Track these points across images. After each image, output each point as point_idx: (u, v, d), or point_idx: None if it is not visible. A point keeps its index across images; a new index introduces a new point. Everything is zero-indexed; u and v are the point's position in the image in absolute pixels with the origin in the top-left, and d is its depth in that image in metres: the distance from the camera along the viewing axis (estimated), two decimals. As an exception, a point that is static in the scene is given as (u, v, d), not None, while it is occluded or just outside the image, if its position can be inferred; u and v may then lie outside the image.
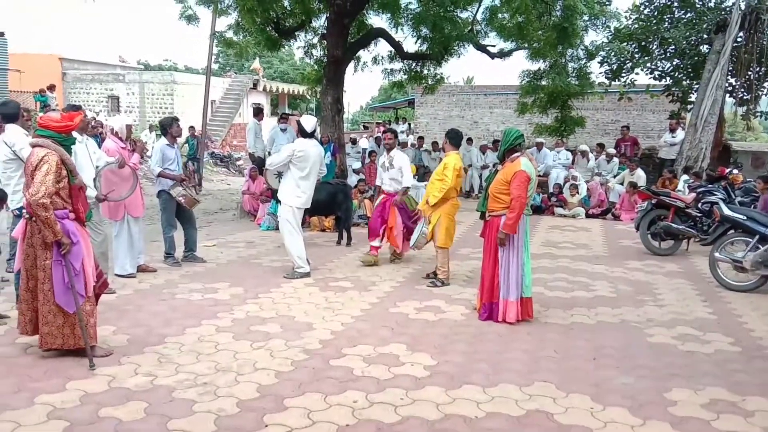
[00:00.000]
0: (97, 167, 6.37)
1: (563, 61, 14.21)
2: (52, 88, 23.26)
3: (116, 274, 6.94)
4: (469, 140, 18.20)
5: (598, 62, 15.48)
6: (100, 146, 7.16)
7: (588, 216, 13.64)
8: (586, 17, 12.98)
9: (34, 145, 4.57)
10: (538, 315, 6.10)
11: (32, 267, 4.53)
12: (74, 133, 4.89)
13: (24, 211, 4.62)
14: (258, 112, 13.80)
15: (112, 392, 4.08)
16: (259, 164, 12.61)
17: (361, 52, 14.62)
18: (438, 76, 15.29)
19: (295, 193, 7.37)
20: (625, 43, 15.19)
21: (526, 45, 13.71)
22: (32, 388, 4.09)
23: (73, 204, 4.57)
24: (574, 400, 4.22)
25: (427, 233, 7.27)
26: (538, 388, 4.40)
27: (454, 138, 7.38)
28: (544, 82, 14.53)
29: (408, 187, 8.12)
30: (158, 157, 7.67)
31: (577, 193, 14.05)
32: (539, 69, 14.55)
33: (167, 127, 7.77)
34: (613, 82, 16.06)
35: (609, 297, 7.03)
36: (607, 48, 15.07)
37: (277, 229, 10.12)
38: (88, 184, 5.85)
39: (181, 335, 5.25)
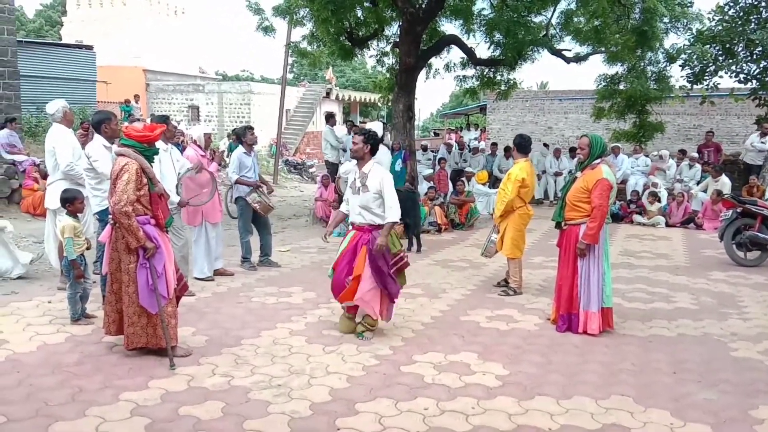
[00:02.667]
0: (178, 174, 6.63)
1: (642, 64, 13.75)
2: (136, 98, 24.39)
3: (195, 277, 7.20)
4: (545, 145, 17.90)
5: (679, 65, 14.89)
6: (181, 154, 7.45)
7: (668, 225, 13.14)
8: (666, 19, 12.53)
9: (118, 154, 4.81)
10: (616, 327, 5.92)
11: (117, 270, 4.76)
12: (159, 143, 5.10)
13: (109, 216, 4.86)
14: (330, 117, 14.02)
15: (191, 391, 4.23)
16: (330, 171, 12.82)
17: (433, 59, 14.61)
18: (511, 82, 15.09)
19: None
20: (708, 46, 14.55)
21: (603, 49, 13.35)
22: (117, 385, 4.29)
23: (153, 210, 4.77)
24: (653, 415, 4.07)
25: (496, 241, 7.18)
26: (615, 402, 4.27)
27: (522, 144, 7.22)
28: (621, 87, 14.11)
29: (394, 223, 5.38)
30: (236, 164, 7.90)
31: (657, 200, 13.56)
32: (617, 73, 14.14)
33: (241, 136, 8.01)
34: (694, 86, 15.43)
35: (690, 309, 6.76)
36: (689, 51, 14.48)
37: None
38: (171, 191, 6.11)
39: (256, 337, 5.38)
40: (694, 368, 4.95)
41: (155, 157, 5.04)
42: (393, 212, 5.29)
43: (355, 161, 5.71)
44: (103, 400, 4.05)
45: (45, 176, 10.65)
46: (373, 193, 5.31)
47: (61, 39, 35.62)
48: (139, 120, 7.89)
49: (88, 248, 5.74)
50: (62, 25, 39.98)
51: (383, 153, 7.64)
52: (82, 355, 4.82)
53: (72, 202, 5.69)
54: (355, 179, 5.45)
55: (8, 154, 11.94)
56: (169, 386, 4.29)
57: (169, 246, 4.91)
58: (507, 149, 16.77)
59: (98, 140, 6.08)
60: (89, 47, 22.23)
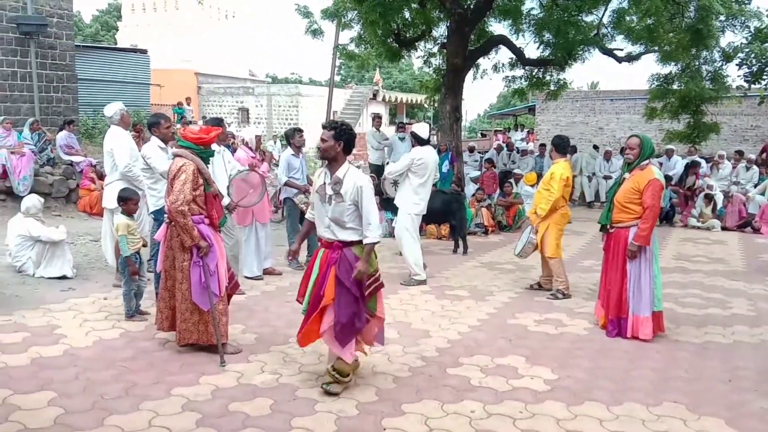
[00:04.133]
0: (230, 176, 6.76)
1: (697, 64, 13.39)
2: (188, 101, 24.95)
3: (245, 276, 7.32)
4: (595, 147, 17.58)
5: (736, 65, 14.42)
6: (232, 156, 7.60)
7: (724, 228, 12.75)
8: (722, 17, 12.16)
9: (175, 155, 4.94)
10: (669, 332, 5.78)
11: (171, 268, 4.89)
12: (213, 145, 5.22)
13: (165, 215, 5.00)
14: (376, 119, 14.06)
15: (240, 388, 4.31)
16: (375, 172, 12.85)
17: (480, 60, 14.53)
18: (561, 82, 14.89)
19: (413, 200, 7.46)
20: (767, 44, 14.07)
21: (656, 48, 13.05)
22: (169, 380, 4.40)
23: (207, 210, 4.88)
24: (707, 424, 3.96)
25: (535, 242, 7.07)
26: (668, 409, 4.17)
27: (560, 145, 7.16)
28: (675, 86, 13.77)
29: (375, 244, 4.27)
30: (284, 166, 8.01)
31: (712, 203, 13.17)
32: (670, 72, 13.80)
33: (290, 138, 8.11)
34: (752, 86, 14.93)
35: (747, 315, 6.54)
36: (747, 49, 14.01)
37: (392, 235, 10.30)
38: (222, 192, 6.23)
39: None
40: (751, 376, 4.79)
41: (211, 158, 5.16)
42: (373, 230, 4.22)
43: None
44: (156, 394, 4.16)
45: (101, 176, 11.02)
46: (347, 203, 4.21)
47: (116, 43, 36.76)
48: (191, 122, 8.07)
49: (144, 245, 5.90)
50: (117, 30, 41.26)
51: (430, 153, 7.63)
52: (135, 351, 4.96)
53: (126, 201, 5.85)
54: (324, 185, 4.30)
55: (66, 155, 12.37)
56: (220, 382, 4.37)
57: (221, 245, 5.02)
58: (542, 146, 16.50)
59: (154, 141, 6.26)
60: (143, 51, 22.85)
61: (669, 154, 15.34)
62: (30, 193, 10.70)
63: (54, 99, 13.65)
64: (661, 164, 14.05)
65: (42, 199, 7.72)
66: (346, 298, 4.19)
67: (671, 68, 13.67)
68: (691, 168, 14.17)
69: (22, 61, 12.90)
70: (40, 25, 12.77)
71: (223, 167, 6.68)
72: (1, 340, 5.05)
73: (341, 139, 4.24)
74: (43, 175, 11.60)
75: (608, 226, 5.79)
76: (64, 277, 7.05)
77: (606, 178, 15.92)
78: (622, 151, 14.69)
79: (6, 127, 11.23)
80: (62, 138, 12.47)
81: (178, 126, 13.45)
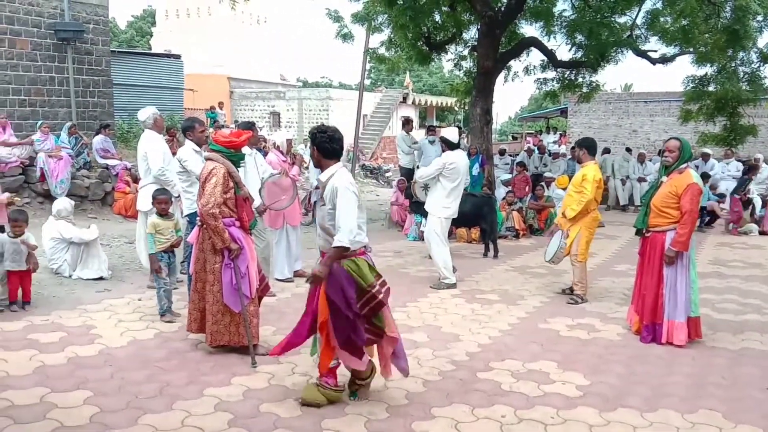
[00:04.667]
0: (262, 179, 6.82)
1: (733, 65, 13.12)
2: (221, 105, 25.25)
3: (276, 279, 7.37)
4: (628, 149, 17.34)
5: (775, 65, 14.11)
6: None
7: (762, 233, 12.46)
8: (760, 17, 11.91)
9: (207, 159, 5.00)
10: (705, 338, 5.66)
11: (202, 270, 4.95)
12: (245, 148, 5.27)
13: (197, 218, 5.07)
14: (406, 123, 14.06)
15: (271, 389, 4.34)
16: (406, 176, 12.86)
17: (511, 62, 14.44)
18: (594, 84, 14.73)
19: (444, 204, 7.43)
20: (808, 44, 13.75)
21: (692, 49, 12.83)
22: (202, 381, 4.45)
23: (238, 213, 4.93)
24: (744, 432, 3.87)
25: (565, 247, 6.93)
26: (703, 416, 4.08)
27: (592, 147, 7.08)
28: (711, 88, 13.51)
29: (343, 248, 3.94)
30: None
31: (750, 207, 12.87)
32: (706, 74, 13.54)
33: None
34: (792, 87, 14.56)
35: (787, 322, 6.38)
36: (786, 50, 13.70)
37: (421, 239, 10.29)
38: (254, 195, 6.29)
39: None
40: (791, 385, 4.67)
41: (242, 162, 5.21)
42: (342, 233, 3.91)
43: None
44: (189, 394, 4.21)
45: (136, 180, 11.21)
46: (328, 207, 4.09)
47: (150, 49, 37.36)
48: (223, 126, 8.17)
49: (174, 246, 5.95)
50: (152, 36, 41.95)
51: (461, 157, 7.58)
52: (169, 351, 5.04)
53: (158, 201, 5.98)
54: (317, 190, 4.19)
55: (102, 158, 12.62)
56: (251, 383, 4.41)
57: (252, 247, 5.06)
58: (574, 149, 16.29)
59: (189, 145, 6.36)
60: (177, 56, 23.17)
61: (705, 157, 15.06)
62: (67, 195, 10.96)
63: (90, 104, 13.96)
64: (696, 167, 13.77)
65: (72, 202, 7.86)
66: (338, 318, 3.95)
67: (707, 69, 13.41)
68: (750, 172, 13.78)
69: (60, 67, 13.21)
70: (77, 32, 13.08)
71: (255, 170, 6.76)
72: (39, 340, 5.17)
73: (314, 144, 4.21)
74: (80, 178, 11.85)
75: (644, 230, 5.69)
76: (100, 279, 7.19)
77: (640, 180, 15.69)
78: (660, 153, 14.51)
79: (44, 131, 11.50)
80: (98, 142, 12.73)
81: (211, 130, 13.63)
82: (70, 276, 7.19)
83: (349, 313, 3.92)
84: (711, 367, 5.02)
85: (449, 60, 15.45)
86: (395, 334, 4.11)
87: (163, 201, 5.97)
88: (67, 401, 4.03)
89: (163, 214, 5.94)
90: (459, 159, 7.44)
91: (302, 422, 3.86)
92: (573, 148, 16.87)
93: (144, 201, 6.92)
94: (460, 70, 15.51)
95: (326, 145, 4.16)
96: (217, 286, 4.83)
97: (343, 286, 3.93)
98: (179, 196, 7.12)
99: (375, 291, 3.96)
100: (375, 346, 4.19)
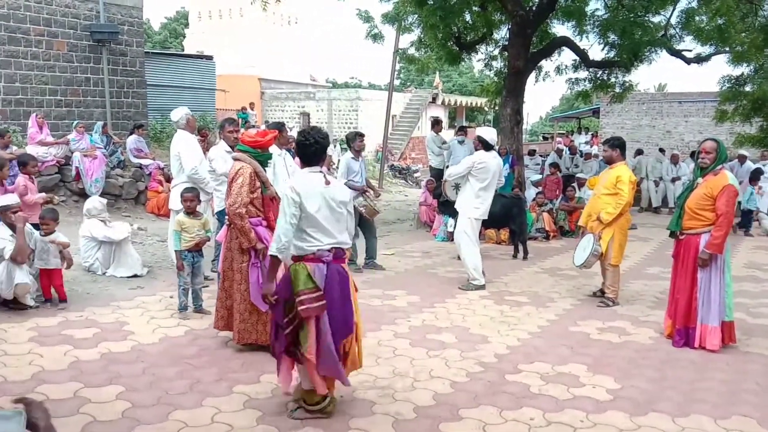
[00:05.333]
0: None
1: (771, 64, 12.87)
2: (252, 106, 25.48)
3: (304, 278, 7.40)
4: (661, 150, 17.07)
5: (814, 65, 13.77)
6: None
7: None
8: (799, 15, 11.66)
9: (234, 159, 5.06)
10: (739, 343, 5.54)
11: (229, 269, 5.01)
12: (274, 148, 5.31)
13: (225, 218, 5.12)
14: (436, 124, 14.03)
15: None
16: (436, 176, 12.82)
17: (543, 62, 14.32)
18: (626, 84, 14.53)
19: (474, 204, 7.37)
20: None
21: (728, 48, 12.58)
22: (231, 378, 4.50)
23: (265, 213, 4.98)
24: (781, 441, 3.78)
25: (600, 251, 6.68)
26: (737, 423, 4.00)
27: (624, 147, 6.91)
28: (747, 88, 13.24)
29: (273, 258, 3.88)
30: (344, 169, 8.09)
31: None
32: (742, 74, 13.29)
33: (351, 142, 8.19)
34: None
35: (826, 328, 6.21)
36: (826, 49, 13.36)
37: (450, 239, 10.26)
38: (281, 195, 6.33)
39: (363, 337, 5.45)
40: (830, 392, 4.55)
41: (269, 161, 5.25)
42: (273, 242, 3.82)
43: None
44: (219, 391, 4.26)
45: (169, 179, 11.38)
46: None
47: (183, 50, 37.85)
48: (254, 126, 8.25)
49: (199, 245, 5.99)
50: (185, 37, 42.51)
51: (493, 158, 7.49)
52: (199, 348, 5.10)
53: (184, 197, 6.07)
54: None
55: (136, 158, 12.83)
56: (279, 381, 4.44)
57: (280, 247, 5.09)
58: (639, 151, 16.09)
59: (222, 145, 6.44)
60: (209, 57, 23.43)
61: (742, 159, 14.74)
62: (102, 194, 11.17)
63: (124, 104, 14.21)
64: (732, 169, 13.48)
65: (104, 200, 7.98)
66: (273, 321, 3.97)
67: (743, 69, 13.18)
68: None
69: (95, 68, 13.47)
70: (112, 33, 13.33)
71: (284, 170, 6.80)
72: (74, 335, 5.28)
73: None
74: (114, 177, 12.05)
75: (678, 233, 5.58)
76: (135, 276, 7.31)
77: (674, 180, 15.42)
78: (693, 155, 14.25)
79: (79, 131, 11.73)
80: (132, 142, 12.94)
81: (243, 130, 13.76)
82: (104, 273, 7.32)
83: (275, 319, 3.89)
84: (745, 372, 4.92)
85: (479, 60, 15.40)
86: (311, 356, 3.73)
87: (189, 199, 6.03)
88: (100, 396, 4.10)
89: (190, 212, 6.01)
90: (490, 159, 7.35)
91: (330, 421, 3.87)
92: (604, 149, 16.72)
93: (176, 200, 7.01)
94: (490, 70, 15.45)
95: (302, 150, 3.96)
96: (245, 285, 4.87)
97: (279, 289, 3.83)
98: (212, 194, 7.23)
99: (297, 301, 3.69)
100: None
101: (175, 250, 5.97)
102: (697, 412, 4.14)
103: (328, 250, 3.81)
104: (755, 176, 12.85)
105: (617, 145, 6.89)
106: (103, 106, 13.65)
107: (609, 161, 6.96)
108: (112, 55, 13.75)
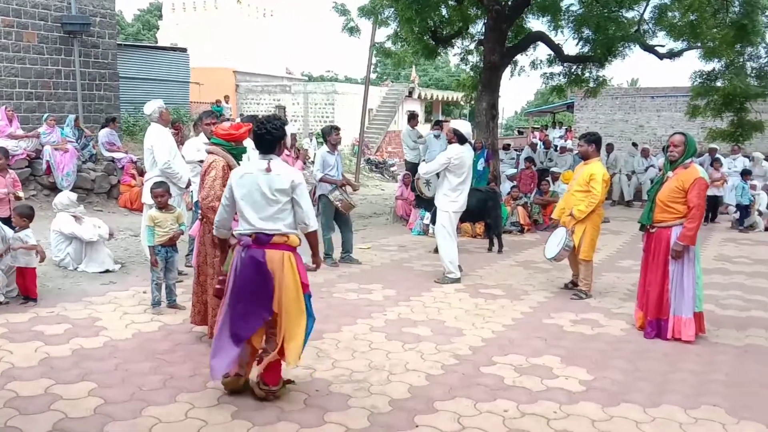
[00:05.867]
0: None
1: (741, 60, 13.07)
2: (226, 99, 25.26)
3: (279, 272, 7.37)
4: (634, 144, 17.30)
5: (783, 61, 14.03)
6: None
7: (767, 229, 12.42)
8: (768, 12, 11.87)
9: (208, 152, 5.02)
10: (709, 335, 5.65)
11: (203, 263, 4.97)
12: (248, 142, 5.27)
13: (198, 212, 5.08)
14: (412, 118, 14.03)
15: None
16: (411, 170, 12.85)
17: (518, 57, 14.41)
18: (600, 79, 14.68)
19: (452, 197, 7.41)
20: (817, 40, 13.65)
21: (699, 44, 12.77)
22: (205, 373, 4.44)
23: (238, 207, 4.93)
24: (747, 428, 3.87)
25: (572, 245, 6.78)
26: (706, 412, 4.08)
27: (599, 143, 7.01)
28: (719, 84, 13.46)
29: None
30: (320, 163, 8.06)
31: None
32: (713, 69, 13.50)
33: (327, 135, 8.17)
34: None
35: (792, 319, 6.36)
36: (795, 45, 13.63)
37: (426, 233, 10.34)
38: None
39: (337, 332, 5.46)
40: (796, 382, 4.66)
41: (243, 155, 5.21)
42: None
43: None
44: (193, 387, 4.23)
45: (141, 173, 11.25)
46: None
47: (157, 42, 37.39)
48: (228, 120, 8.19)
49: (173, 239, 5.92)
50: (158, 29, 41.99)
51: (467, 151, 7.54)
52: (173, 344, 5.06)
53: (154, 192, 6.01)
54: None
55: (108, 151, 12.65)
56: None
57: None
58: (609, 146, 16.30)
59: (201, 137, 6.40)
60: (183, 50, 23.17)
61: (713, 153, 14.99)
62: (73, 188, 11.00)
63: (96, 97, 13.99)
64: (701, 164, 13.71)
65: (74, 195, 7.84)
66: None
67: (715, 65, 13.38)
68: None
69: (66, 60, 13.24)
70: (83, 24, 13.11)
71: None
72: (44, 332, 5.19)
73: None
74: (86, 171, 11.88)
75: (649, 226, 5.66)
76: (107, 271, 7.22)
77: (647, 169, 15.67)
78: (664, 149, 14.45)
79: (50, 124, 11.54)
80: (104, 135, 12.76)
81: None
82: (76, 269, 7.21)
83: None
84: (714, 363, 5.01)
85: (456, 54, 15.44)
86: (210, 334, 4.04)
87: (158, 194, 5.95)
88: (71, 393, 4.05)
89: (162, 206, 5.94)
90: (465, 153, 7.42)
91: (305, 415, 3.87)
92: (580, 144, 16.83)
93: (149, 194, 6.92)
94: (466, 64, 15.48)
95: (257, 138, 4.08)
96: (217, 279, 4.83)
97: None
98: (188, 187, 7.17)
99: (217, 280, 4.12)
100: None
101: (149, 246, 5.90)
102: (667, 403, 4.21)
103: (248, 235, 3.93)
104: (747, 171, 13.00)
105: (593, 140, 6.96)
106: (74, 98, 13.43)
107: (585, 156, 7.02)
108: (84, 47, 13.52)
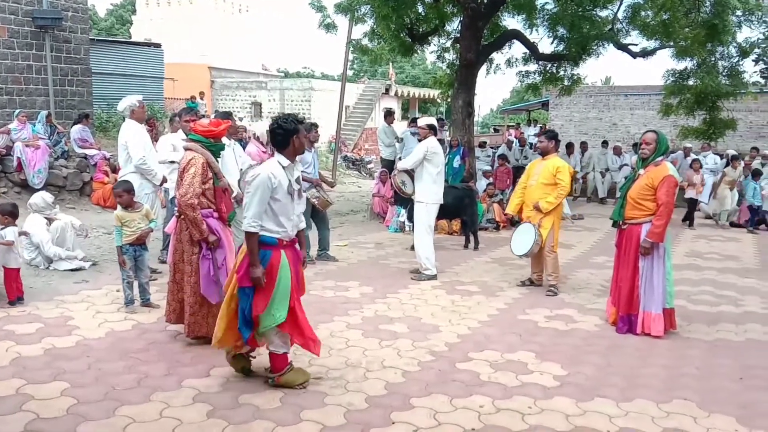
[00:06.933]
0: (241, 170, 6.79)
1: (713, 59, 13.26)
2: (202, 95, 25.02)
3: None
4: (605, 143, 17.50)
5: (753, 60, 14.36)
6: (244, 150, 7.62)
7: (734, 225, 12.65)
8: (739, 12, 12.06)
9: (186, 149, 4.97)
10: (680, 329, 5.75)
11: (180, 261, 4.92)
12: (224, 139, 5.24)
13: (175, 209, 5.03)
14: (388, 115, 14.03)
15: (250, 380, 4.33)
16: (387, 167, 12.86)
17: (494, 55, 14.48)
18: (575, 77, 14.81)
19: (433, 190, 7.51)
20: (785, 40, 13.94)
21: (672, 43, 12.94)
22: (180, 372, 4.43)
23: (216, 204, 4.91)
24: (717, 421, 3.94)
25: (542, 240, 6.85)
26: (678, 406, 4.15)
27: (558, 139, 7.25)
28: (691, 82, 13.64)
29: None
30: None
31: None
32: (686, 68, 13.67)
33: (306, 132, 8.11)
34: (769, 81, 14.78)
35: (760, 313, 6.49)
36: (764, 45, 13.88)
37: (402, 230, 10.39)
38: (234, 185, 6.26)
39: (314, 330, 5.44)
40: (762, 375, 4.76)
41: (222, 152, 5.18)
42: None
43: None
44: (168, 386, 4.19)
45: (115, 170, 11.12)
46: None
47: (131, 37, 36.91)
48: (204, 116, 8.12)
49: (141, 238, 5.85)
50: (132, 24, 41.43)
51: (437, 143, 7.64)
52: (147, 342, 5.01)
53: (115, 192, 5.92)
54: (290, 182, 4.24)
55: (80, 148, 12.46)
56: (230, 375, 4.40)
57: (230, 239, 5.05)
58: (570, 145, 16.50)
59: (179, 134, 6.34)
60: (157, 45, 22.90)
61: (686, 151, 15.22)
62: (45, 185, 10.82)
63: (68, 92, 13.77)
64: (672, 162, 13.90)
65: (51, 197, 7.71)
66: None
67: (687, 64, 13.54)
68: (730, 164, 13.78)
69: (38, 55, 13.00)
70: (55, 19, 12.88)
71: (234, 161, 6.72)
72: (16, 331, 5.11)
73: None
74: (57, 168, 11.69)
75: (621, 223, 5.75)
76: (79, 269, 7.12)
77: (621, 167, 15.87)
78: (635, 146, 14.62)
79: (21, 120, 11.34)
80: (76, 131, 12.57)
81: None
82: (47, 267, 7.10)
83: None
84: (686, 357, 5.10)
85: (432, 52, 15.45)
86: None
87: (118, 194, 5.86)
88: (43, 393, 3.99)
89: (126, 206, 5.84)
90: (437, 144, 7.55)
91: (281, 413, 3.86)
92: (567, 143, 16.89)
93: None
94: (442, 62, 15.52)
95: (274, 136, 4.23)
96: (195, 277, 4.80)
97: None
98: (162, 184, 7.10)
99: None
100: None
101: (116, 245, 5.81)
102: (640, 397, 4.28)
103: None
104: (757, 172, 12.91)
105: (553, 137, 7.17)
106: (46, 94, 13.20)
107: (545, 152, 7.09)
108: (56, 42, 13.29)
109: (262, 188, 4.00)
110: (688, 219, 12.86)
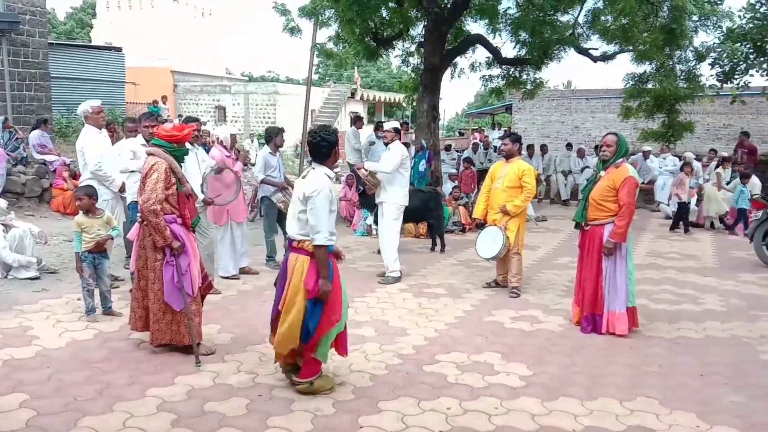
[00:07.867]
0: (203, 173, 6.71)
1: (671, 63, 13.59)
2: (164, 99, 24.67)
3: (221, 276, 7.27)
4: (569, 145, 17.77)
5: (709, 64, 14.65)
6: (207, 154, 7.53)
7: (696, 225, 12.93)
8: (695, 17, 12.36)
9: (148, 154, 4.89)
10: (642, 328, 5.87)
11: (143, 268, 4.84)
12: (187, 145, 5.18)
13: (138, 215, 4.94)
14: (357, 120, 14.01)
15: (216, 388, 4.28)
16: (354, 172, 12.86)
17: (458, 59, 14.61)
18: (537, 81, 15.03)
19: (403, 192, 7.68)
20: (739, 44, 14.30)
21: (631, 47, 13.21)
22: (144, 381, 4.35)
23: (180, 210, 4.83)
24: (679, 418, 4.03)
25: (508, 243, 6.90)
26: (641, 404, 4.23)
27: (521, 142, 7.42)
28: (650, 86, 13.96)
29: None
30: (261, 164, 7.97)
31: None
32: (645, 72, 13.99)
33: (273, 137, 8.08)
34: (725, 85, 15.17)
35: (719, 311, 6.66)
36: (719, 49, 14.25)
37: (369, 234, 10.40)
38: (196, 190, 6.18)
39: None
40: (722, 371, 4.88)
41: (185, 157, 5.11)
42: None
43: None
44: (131, 395, 4.11)
45: (74, 176, 10.88)
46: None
47: (91, 41, 36.25)
48: (167, 121, 8.01)
49: (99, 245, 5.75)
50: (92, 28, 40.71)
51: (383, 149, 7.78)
52: (109, 351, 4.91)
53: (75, 195, 5.80)
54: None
55: (39, 154, 12.18)
56: (195, 383, 4.34)
57: (194, 245, 4.97)
58: (530, 147, 16.66)
59: (139, 139, 6.24)
60: (118, 49, 22.58)
61: (646, 154, 15.52)
62: (3, 192, 10.55)
63: (27, 97, 13.46)
64: (632, 164, 14.11)
65: (4, 203, 7.52)
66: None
67: (646, 67, 13.86)
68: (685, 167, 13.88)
69: (-6, 59, 12.69)
70: (12, 23, 12.59)
71: (196, 166, 6.62)
72: (-28, 342, 4.97)
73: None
74: (16, 174, 11.40)
75: (583, 224, 5.84)
76: (37, 278, 6.95)
77: (583, 170, 16.10)
78: (597, 149, 14.84)
79: (-23, 126, 11.05)
80: (35, 137, 12.28)
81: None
82: (5, 276, 6.92)
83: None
84: (648, 356, 5.20)
85: (397, 56, 15.53)
86: None
87: (79, 198, 5.75)
88: (1, 405, 3.88)
89: (86, 211, 5.73)
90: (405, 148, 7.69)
91: (248, 421, 3.82)
92: (530, 146, 17.02)
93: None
94: (407, 66, 15.59)
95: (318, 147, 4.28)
96: (158, 284, 4.73)
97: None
98: (122, 191, 6.97)
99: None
100: None
101: (75, 252, 5.68)
102: (604, 395, 4.35)
103: (289, 238, 4.32)
104: (745, 175, 12.81)
105: (517, 139, 7.29)
106: (3, 99, 12.89)
107: (510, 155, 7.12)
108: (13, 46, 12.99)
109: (327, 201, 4.09)
110: (684, 225, 12.40)
